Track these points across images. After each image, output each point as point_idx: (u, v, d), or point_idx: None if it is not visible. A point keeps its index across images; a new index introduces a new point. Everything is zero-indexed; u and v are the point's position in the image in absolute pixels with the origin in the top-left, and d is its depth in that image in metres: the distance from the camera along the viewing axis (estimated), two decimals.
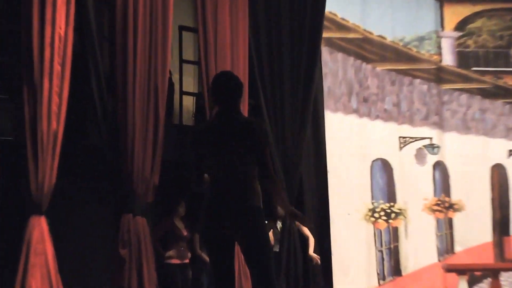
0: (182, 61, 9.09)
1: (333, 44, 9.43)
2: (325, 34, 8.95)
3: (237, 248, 4.42)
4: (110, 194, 6.74)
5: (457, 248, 9.96)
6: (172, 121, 8.82)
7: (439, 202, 9.91)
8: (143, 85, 6.80)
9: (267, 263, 4.17)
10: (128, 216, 6.57)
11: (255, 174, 4.23)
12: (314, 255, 8.14)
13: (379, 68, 9.79)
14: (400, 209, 9.62)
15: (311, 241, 8.19)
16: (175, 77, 9.00)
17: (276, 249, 7.96)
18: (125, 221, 6.55)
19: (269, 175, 4.18)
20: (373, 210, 9.43)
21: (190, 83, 9.47)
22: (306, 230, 8.19)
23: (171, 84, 8.38)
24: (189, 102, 9.35)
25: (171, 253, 7.99)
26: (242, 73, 7.70)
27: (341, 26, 9.61)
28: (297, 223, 8.15)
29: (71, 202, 7.22)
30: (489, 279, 9.24)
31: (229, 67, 7.56)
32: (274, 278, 4.19)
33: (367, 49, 9.71)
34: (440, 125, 10.04)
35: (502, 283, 9.21)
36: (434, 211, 9.87)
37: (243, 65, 7.86)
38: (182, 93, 9.10)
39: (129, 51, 6.71)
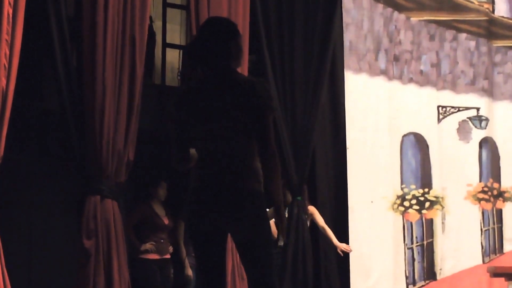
0: (166, 4, 9.07)
1: None
2: None
3: (231, 242, 4.41)
4: (73, 171, 6.74)
5: (507, 246, 10.00)
6: (153, 80, 8.83)
7: (486, 189, 9.93)
8: (116, 35, 6.78)
9: (266, 262, 4.17)
10: (95, 198, 6.60)
11: (255, 149, 4.20)
12: (341, 244, 8.15)
13: (414, 19, 9.73)
14: (436, 197, 9.63)
15: (330, 231, 8.21)
16: (157, 25, 8.99)
17: (280, 243, 7.99)
18: (91, 205, 6.57)
19: (269, 150, 4.15)
20: (402, 198, 9.43)
21: (175, 33, 9.46)
22: (320, 220, 8.20)
23: (151, 34, 8.36)
24: (174, 57, 9.35)
25: (148, 246, 8.04)
26: (242, 21, 7.70)
27: None
28: (309, 211, 8.19)
29: (23, 181, 7.23)
30: None
31: (225, 13, 7.55)
32: (275, 280, 4.19)
33: None
34: (490, 92, 10.03)
35: None
36: (479, 200, 9.90)
37: (243, 9, 7.85)
38: (165, 45, 9.10)
39: None
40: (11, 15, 6.04)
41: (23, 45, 6.12)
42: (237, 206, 4.15)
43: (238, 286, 7.54)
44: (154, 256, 8.05)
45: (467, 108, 9.90)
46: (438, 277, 9.61)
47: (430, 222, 9.70)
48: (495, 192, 9.97)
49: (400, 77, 9.58)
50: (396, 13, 9.59)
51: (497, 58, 10.15)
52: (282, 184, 8.03)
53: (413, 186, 9.60)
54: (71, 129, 6.62)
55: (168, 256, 8.21)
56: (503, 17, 10.25)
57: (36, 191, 7.36)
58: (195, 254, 4.36)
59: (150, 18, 7.82)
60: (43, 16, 6.52)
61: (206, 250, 4.24)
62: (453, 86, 9.92)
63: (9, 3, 6.02)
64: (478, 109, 9.93)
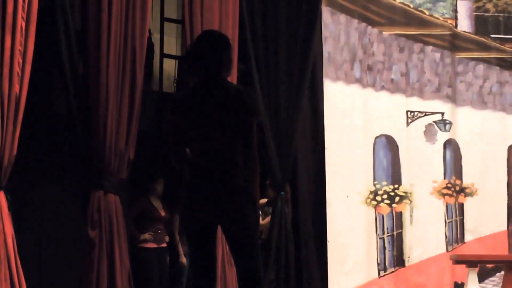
0: (163, 19, 9.05)
1: (335, 4, 9.37)
2: None
3: (221, 233, 4.41)
4: (79, 168, 6.72)
5: (468, 237, 9.99)
6: (151, 87, 8.80)
7: (449, 185, 9.93)
8: (119, 46, 6.75)
9: (252, 250, 4.17)
10: (99, 193, 6.56)
11: (240, 149, 4.20)
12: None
13: (386, 33, 9.73)
14: (405, 192, 9.63)
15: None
16: (155, 37, 8.97)
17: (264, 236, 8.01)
18: (95, 199, 6.54)
19: (249, 152, 4.16)
20: (375, 193, 9.43)
21: (172, 45, 9.44)
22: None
23: (150, 45, 8.35)
24: (170, 66, 9.33)
25: (146, 236, 8.02)
26: (232, 34, 7.67)
27: None
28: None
29: (34, 177, 7.20)
30: (502, 273, 9.27)
31: (217, 27, 7.52)
32: (260, 267, 4.19)
33: (373, 10, 9.65)
34: (453, 99, 10.03)
35: None
36: (443, 195, 9.89)
37: (232, 24, 7.83)
38: (162, 55, 9.08)
39: (103, 5, 6.65)
40: (23, 28, 6.01)
41: (35, 55, 6.09)
42: (225, 200, 4.15)
43: (227, 272, 7.53)
44: (152, 245, 8.03)
45: (433, 113, 9.90)
46: (406, 264, 9.60)
47: (400, 214, 9.70)
48: (457, 188, 9.97)
49: (373, 85, 9.57)
50: (369, 28, 9.59)
51: (460, 68, 10.16)
52: (268, 182, 8.15)
53: (384, 183, 9.59)
54: (77, 131, 6.60)
55: (164, 245, 8.19)
56: (464, 31, 10.27)
57: (46, 186, 7.32)
58: (188, 243, 4.35)
59: (149, 31, 7.80)
60: (53, 29, 6.50)
61: (198, 240, 4.24)
62: (421, 93, 9.92)
63: (22, 17, 5.99)
64: (442, 113, 9.94)
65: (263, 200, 8.31)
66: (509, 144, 10.22)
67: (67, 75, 6.53)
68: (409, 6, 9.92)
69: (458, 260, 8.98)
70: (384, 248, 9.51)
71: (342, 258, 8.99)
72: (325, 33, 9.11)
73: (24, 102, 5.97)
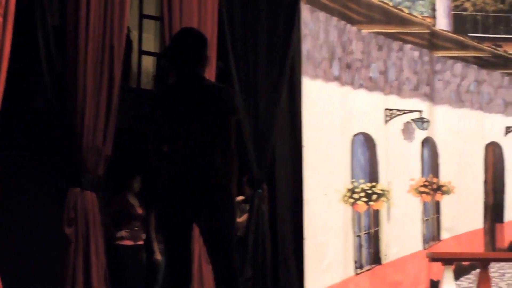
0: (142, 16, 9.04)
1: (315, 2, 9.39)
2: None
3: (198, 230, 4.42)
4: (55, 165, 6.70)
5: (444, 235, 10.07)
6: (129, 84, 8.79)
7: (426, 184, 9.99)
8: (97, 42, 6.72)
9: (228, 248, 4.20)
10: (76, 190, 6.53)
11: (219, 147, 4.22)
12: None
13: (365, 31, 9.77)
14: (382, 190, 9.68)
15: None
16: (134, 34, 8.95)
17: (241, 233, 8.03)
18: (72, 196, 6.51)
19: (228, 150, 4.18)
20: (352, 191, 9.47)
21: (150, 41, 9.42)
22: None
23: (128, 42, 8.34)
24: (148, 63, 9.31)
25: (123, 233, 8.02)
26: (210, 31, 7.66)
27: None
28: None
29: (9, 174, 7.17)
30: (478, 270, 9.35)
31: (196, 24, 7.51)
32: (236, 265, 4.23)
33: (353, 8, 9.69)
34: (431, 97, 10.09)
35: (492, 274, 9.31)
36: (420, 193, 9.96)
37: (211, 21, 7.81)
38: (141, 52, 9.08)
39: (82, 2, 6.62)
40: (1, 24, 5.98)
41: (12, 51, 6.06)
42: (202, 198, 4.17)
43: (204, 270, 7.54)
44: (129, 242, 8.03)
45: (410, 111, 9.96)
46: (383, 262, 9.66)
47: (377, 212, 9.75)
48: (434, 186, 10.05)
49: (351, 83, 9.61)
50: (348, 26, 9.62)
51: (438, 67, 10.23)
52: (245, 180, 8.17)
53: (362, 180, 9.64)
54: (55, 127, 6.59)
55: (141, 242, 8.19)
56: (443, 30, 10.34)
57: (22, 183, 7.30)
58: (165, 241, 4.38)
59: (128, 28, 7.78)
60: (31, 25, 6.47)
61: (175, 238, 4.26)
62: (399, 91, 9.98)
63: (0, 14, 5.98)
64: (420, 112, 10.00)
65: (240, 198, 8.34)
66: (486, 142, 10.32)
67: (44, 72, 6.51)
68: (388, 4, 9.97)
69: (434, 258, 9.04)
70: (361, 245, 9.56)
71: (319, 256, 9.02)
72: (304, 30, 9.12)
73: (0, 99, 5.95)
